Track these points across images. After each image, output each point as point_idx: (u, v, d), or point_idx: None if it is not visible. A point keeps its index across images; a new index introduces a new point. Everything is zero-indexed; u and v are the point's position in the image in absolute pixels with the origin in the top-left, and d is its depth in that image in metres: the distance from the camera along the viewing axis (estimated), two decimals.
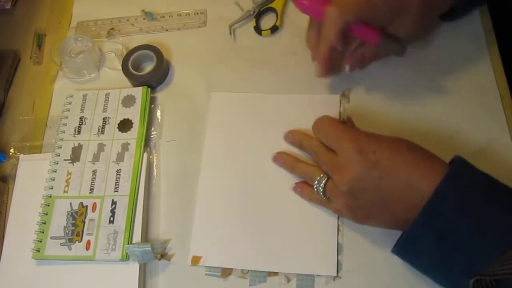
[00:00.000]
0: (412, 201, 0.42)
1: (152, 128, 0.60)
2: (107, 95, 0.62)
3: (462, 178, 0.41)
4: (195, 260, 0.51)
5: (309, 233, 0.51)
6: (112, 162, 0.57)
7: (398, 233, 0.47)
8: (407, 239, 0.43)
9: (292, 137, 0.55)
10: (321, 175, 0.48)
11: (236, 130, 0.58)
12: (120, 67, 0.63)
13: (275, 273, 0.50)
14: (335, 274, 0.49)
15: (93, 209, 0.54)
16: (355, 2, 0.49)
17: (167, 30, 0.68)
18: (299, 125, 0.56)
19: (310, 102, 0.58)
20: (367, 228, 0.50)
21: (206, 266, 0.51)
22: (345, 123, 0.53)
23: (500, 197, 0.40)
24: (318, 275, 0.49)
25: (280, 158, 0.54)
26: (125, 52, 0.65)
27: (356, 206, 0.46)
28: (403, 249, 0.45)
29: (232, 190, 0.54)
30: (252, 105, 0.59)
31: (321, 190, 0.48)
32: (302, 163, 0.52)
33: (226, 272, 0.50)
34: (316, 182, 0.49)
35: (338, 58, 0.56)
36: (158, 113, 0.61)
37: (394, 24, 0.51)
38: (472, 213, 0.39)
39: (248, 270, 0.50)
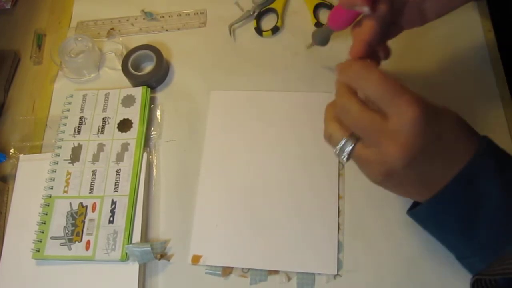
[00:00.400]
0: (452, 161, 0.37)
1: (152, 128, 0.60)
2: (107, 95, 0.62)
3: (497, 154, 0.39)
4: (196, 259, 0.51)
5: (310, 232, 0.51)
6: (112, 162, 0.57)
7: (397, 227, 0.47)
8: (434, 204, 0.39)
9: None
10: (345, 138, 0.40)
11: (235, 128, 0.58)
12: (120, 67, 0.63)
13: (276, 272, 0.50)
14: (336, 273, 0.49)
15: (93, 209, 0.54)
16: None
17: (167, 30, 0.68)
18: (299, 122, 0.56)
19: (310, 100, 0.58)
20: (367, 226, 0.50)
21: (206, 265, 0.51)
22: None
23: None
24: (319, 274, 0.49)
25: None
26: (125, 52, 0.65)
27: (395, 180, 0.38)
28: (426, 212, 0.40)
29: (232, 189, 0.54)
30: (252, 103, 0.59)
31: (346, 155, 0.40)
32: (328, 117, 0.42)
33: (226, 271, 0.51)
34: (340, 145, 0.40)
35: None
36: (158, 113, 0.61)
37: None
38: (505, 188, 0.37)
39: (249, 269, 0.50)
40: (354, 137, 0.39)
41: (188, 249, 0.52)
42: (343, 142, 0.40)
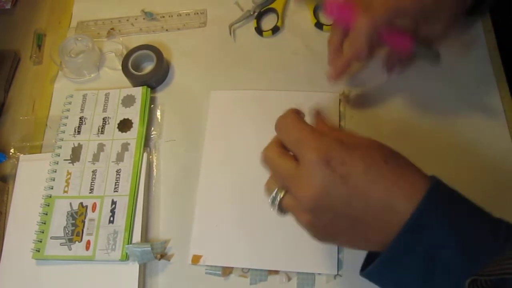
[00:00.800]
0: (388, 223, 0.36)
1: (152, 128, 0.60)
2: (107, 95, 0.62)
3: (444, 196, 0.37)
4: (196, 259, 0.51)
5: None
6: (112, 162, 0.57)
7: None
8: (385, 261, 0.37)
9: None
10: (276, 189, 0.40)
11: (235, 128, 0.58)
12: (120, 67, 0.63)
13: (276, 272, 0.50)
14: (336, 273, 0.49)
15: (93, 209, 0.54)
16: (384, 7, 0.46)
17: (167, 30, 0.68)
18: None
19: (310, 99, 0.58)
20: None
21: (206, 265, 0.51)
22: (316, 117, 0.45)
23: (480, 218, 0.37)
24: (319, 274, 0.49)
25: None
26: (125, 52, 0.65)
27: (319, 224, 0.39)
28: (378, 272, 0.38)
29: (232, 189, 0.54)
30: (252, 103, 0.59)
31: (276, 205, 0.41)
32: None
33: (226, 271, 0.51)
34: (272, 196, 0.41)
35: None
36: (158, 113, 0.61)
37: (427, 25, 0.49)
38: (457, 233, 0.35)
39: (249, 269, 0.50)
40: (284, 188, 0.40)
41: (188, 249, 0.52)
42: (274, 192, 0.40)
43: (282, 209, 0.41)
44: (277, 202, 0.40)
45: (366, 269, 0.39)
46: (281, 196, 0.40)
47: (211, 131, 0.58)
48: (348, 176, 0.36)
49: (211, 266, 0.51)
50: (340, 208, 0.37)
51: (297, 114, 0.41)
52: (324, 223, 0.38)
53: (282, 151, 0.40)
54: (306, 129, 0.39)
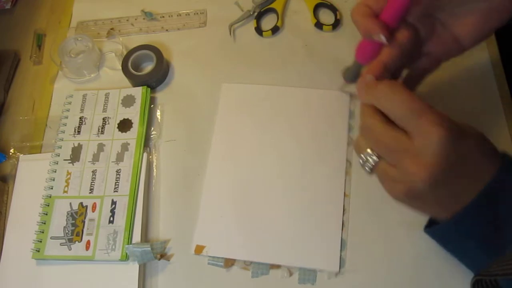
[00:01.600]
0: (475, 180, 0.37)
1: (152, 128, 0.60)
2: (107, 95, 0.62)
3: None
4: (199, 249, 0.51)
5: (313, 228, 0.51)
6: (112, 162, 0.57)
7: (401, 227, 0.47)
8: (459, 219, 0.38)
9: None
10: (370, 150, 0.40)
11: (244, 122, 0.58)
12: (120, 67, 0.63)
13: (278, 266, 0.50)
14: (338, 270, 0.49)
15: (93, 209, 0.54)
16: None
17: (167, 30, 0.68)
18: (309, 119, 0.57)
19: (321, 97, 0.58)
20: (371, 225, 0.50)
21: (209, 256, 0.51)
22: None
23: None
24: (320, 270, 0.49)
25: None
26: (125, 52, 0.65)
27: (417, 199, 0.38)
28: (449, 231, 0.40)
29: (238, 182, 0.55)
30: (262, 97, 0.59)
31: (368, 167, 0.40)
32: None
33: (228, 263, 0.51)
34: (365, 158, 0.40)
35: None
36: (158, 113, 0.61)
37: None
38: None
39: (251, 262, 0.50)
40: (382, 155, 0.39)
41: (190, 245, 0.52)
42: (368, 153, 0.40)
43: (372, 170, 0.40)
44: (370, 164, 0.39)
45: (433, 227, 0.41)
46: (373, 161, 0.39)
47: (220, 123, 0.58)
48: (466, 156, 0.36)
49: (214, 257, 0.51)
50: (449, 187, 0.37)
51: (396, 82, 0.39)
52: (422, 200, 0.38)
53: (386, 120, 0.38)
54: (419, 102, 0.37)
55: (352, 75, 0.50)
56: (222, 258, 0.51)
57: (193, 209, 0.54)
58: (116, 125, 0.59)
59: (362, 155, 0.40)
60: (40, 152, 0.60)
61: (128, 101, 0.61)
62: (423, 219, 0.46)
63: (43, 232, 0.53)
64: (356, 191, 0.53)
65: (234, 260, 0.51)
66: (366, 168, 0.40)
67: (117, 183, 0.55)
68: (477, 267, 0.41)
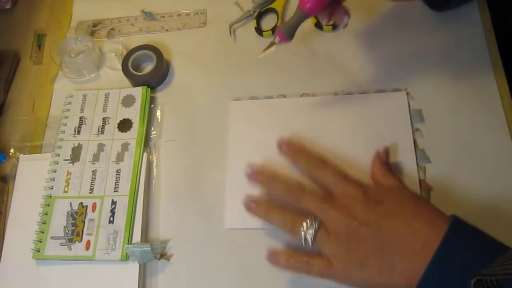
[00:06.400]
0: (412, 247, 0.40)
1: (152, 128, 0.60)
2: (107, 95, 0.62)
3: (467, 230, 0.40)
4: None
5: None
6: (112, 162, 0.57)
7: None
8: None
9: (288, 150, 0.52)
10: (311, 218, 0.45)
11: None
12: (120, 67, 0.63)
13: None
14: None
15: (93, 209, 0.54)
16: None
17: (167, 30, 0.68)
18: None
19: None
20: None
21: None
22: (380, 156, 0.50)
23: (501, 248, 0.39)
24: None
25: (251, 207, 0.49)
26: (125, 52, 0.65)
27: (352, 248, 0.43)
28: None
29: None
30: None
31: (311, 236, 0.44)
32: (278, 209, 0.48)
33: None
34: (305, 226, 0.45)
35: None
36: (158, 113, 0.61)
37: None
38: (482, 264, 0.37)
39: None
40: (316, 219, 0.45)
41: (189, 249, 0.52)
42: (308, 221, 0.46)
43: (314, 241, 0.45)
44: (312, 233, 0.45)
45: None
46: (317, 226, 0.45)
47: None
48: (382, 202, 0.44)
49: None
50: (373, 226, 0.42)
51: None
52: (356, 247, 0.43)
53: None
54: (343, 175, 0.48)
55: (292, 29, 0.48)
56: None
57: (193, 209, 0.54)
58: (116, 125, 0.59)
59: (303, 227, 0.45)
60: (40, 152, 0.60)
61: (128, 101, 0.61)
62: None
63: (43, 232, 0.53)
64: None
65: None
66: (310, 237, 0.45)
67: (117, 183, 0.55)
68: None
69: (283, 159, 0.53)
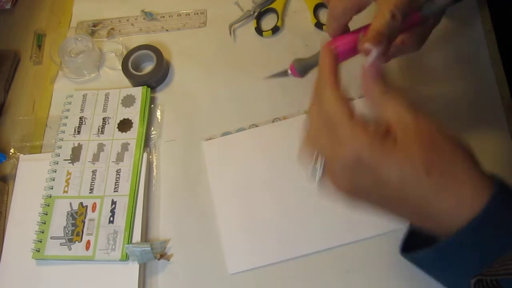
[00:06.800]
0: (433, 217, 0.34)
1: (152, 128, 0.60)
2: (107, 95, 0.62)
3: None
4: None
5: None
6: (112, 162, 0.57)
7: None
8: (446, 248, 0.34)
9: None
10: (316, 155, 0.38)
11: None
12: (120, 67, 0.63)
13: None
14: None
15: (93, 209, 0.54)
16: None
17: (167, 30, 0.68)
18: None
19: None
20: None
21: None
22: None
23: None
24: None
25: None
26: (125, 52, 0.65)
27: (355, 186, 0.35)
28: (427, 259, 0.36)
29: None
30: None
31: (319, 169, 0.38)
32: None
33: None
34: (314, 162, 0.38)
35: None
36: (158, 113, 0.61)
37: None
38: None
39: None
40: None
41: (190, 250, 0.52)
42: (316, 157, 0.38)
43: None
44: (320, 165, 0.37)
45: (414, 253, 0.36)
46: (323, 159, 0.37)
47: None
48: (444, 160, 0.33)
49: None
50: (378, 183, 0.34)
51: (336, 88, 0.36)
52: (359, 187, 0.35)
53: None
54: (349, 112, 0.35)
55: (307, 68, 0.45)
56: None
57: (193, 209, 0.54)
58: (116, 125, 0.59)
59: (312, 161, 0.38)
60: (40, 152, 0.60)
61: (128, 101, 0.61)
62: None
63: (43, 232, 0.53)
64: None
65: None
66: (317, 170, 0.38)
67: (117, 183, 0.55)
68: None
69: (270, 196, 0.53)
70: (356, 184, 0.35)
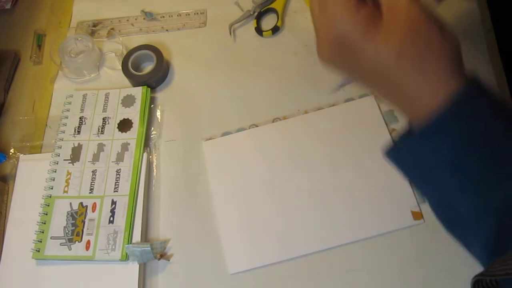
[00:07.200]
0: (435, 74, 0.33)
1: (152, 128, 0.60)
2: (107, 95, 0.62)
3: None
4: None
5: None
6: (112, 162, 0.57)
7: None
8: (426, 134, 0.34)
9: None
10: None
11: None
12: (120, 67, 0.63)
13: None
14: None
15: (93, 209, 0.54)
16: None
17: (167, 30, 0.68)
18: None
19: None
20: None
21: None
22: None
23: None
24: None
25: None
26: (125, 52, 0.65)
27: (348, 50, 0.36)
28: (408, 150, 0.36)
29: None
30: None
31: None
32: None
33: None
34: None
35: None
36: (158, 113, 0.61)
37: None
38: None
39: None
40: None
41: (190, 251, 0.52)
42: None
43: None
44: None
45: (393, 148, 0.37)
46: None
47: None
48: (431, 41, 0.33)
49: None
50: (359, 56, 0.35)
51: None
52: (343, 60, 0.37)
53: None
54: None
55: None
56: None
57: (193, 209, 0.54)
58: (116, 125, 0.59)
59: None
60: (40, 152, 0.60)
61: (128, 101, 0.61)
62: None
63: (43, 232, 0.53)
64: None
65: None
66: None
67: (117, 183, 0.55)
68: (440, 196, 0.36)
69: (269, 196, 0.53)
70: (339, 60, 0.37)
